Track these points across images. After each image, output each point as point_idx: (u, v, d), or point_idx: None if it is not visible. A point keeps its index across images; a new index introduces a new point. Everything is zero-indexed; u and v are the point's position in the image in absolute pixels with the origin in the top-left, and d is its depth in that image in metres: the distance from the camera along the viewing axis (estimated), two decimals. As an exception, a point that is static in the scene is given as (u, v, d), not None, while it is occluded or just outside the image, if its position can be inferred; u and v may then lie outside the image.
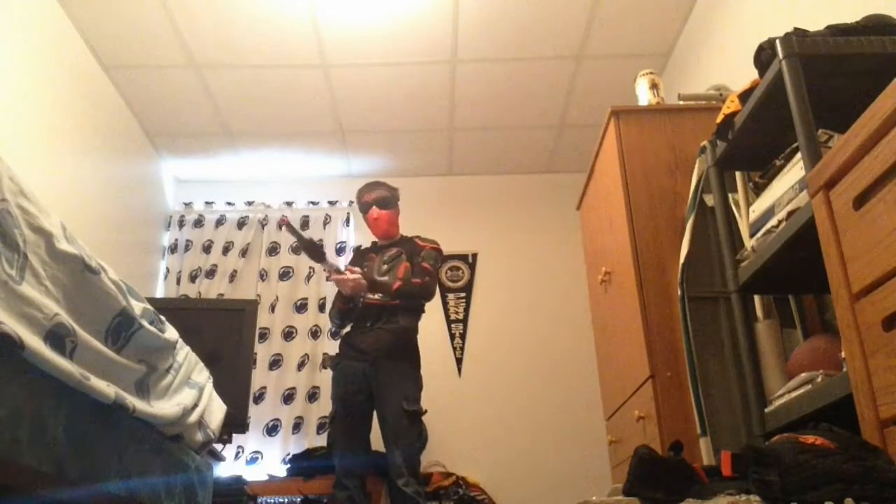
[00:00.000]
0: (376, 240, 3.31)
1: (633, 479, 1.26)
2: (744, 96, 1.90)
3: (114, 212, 3.83)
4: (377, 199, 3.21)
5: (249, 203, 4.60)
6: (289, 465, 3.58)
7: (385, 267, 3.13)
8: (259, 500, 3.20)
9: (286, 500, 3.29)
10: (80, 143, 3.50)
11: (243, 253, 4.46)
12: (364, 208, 3.26)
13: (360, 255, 3.30)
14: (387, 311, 3.04)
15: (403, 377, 2.94)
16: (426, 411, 2.97)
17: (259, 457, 3.99)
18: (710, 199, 2.20)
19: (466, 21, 3.43)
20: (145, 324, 1.39)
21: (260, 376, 4.11)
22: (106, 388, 1.19)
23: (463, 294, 4.48)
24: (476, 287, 4.51)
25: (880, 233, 1.11)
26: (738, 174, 2.11)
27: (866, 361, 1.16)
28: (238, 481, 3.00)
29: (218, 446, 3.03)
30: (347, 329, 3.15)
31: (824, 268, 1.29)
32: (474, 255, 4.57)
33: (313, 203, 4.60)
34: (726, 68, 2.98)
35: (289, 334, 4.28)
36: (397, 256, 3.16)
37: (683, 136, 2.49)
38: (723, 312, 2.17)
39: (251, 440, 3.99)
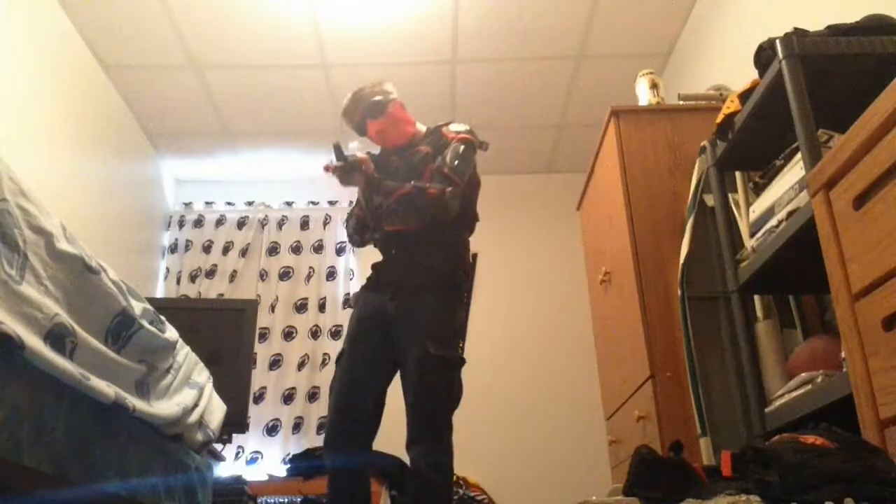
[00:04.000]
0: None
1: (633, 479, 1.26)
2: (744, 96, 1.90)
3: (114, 212, 3.83)
4: (367, 111, 2.43)
5: (249, 203, 4.60)
6: (289, 465, 3.58)
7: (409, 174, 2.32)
8: (259, 500, 3.20)
9: (286, 500, 3.28)
10: (81, 144, 3.50)
11: (243, 253, 4.46)
12: (360, 129, 2.49)
13: (384, 157, 2.47)
14: (410, 243, 2.31)
15: (431, 313, 2.22)
16: (465, 361, 2.35)
17: (259, 457, 3.99)
18: (710, 199, 2.20)
19: (466, 21, 3.43)
20: (145, 324, 1.39)
21: (260, 376, 4.10)
22: (106, 388, 1.19)
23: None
24: (476, 287, 4.50)
25: (880, 233, 1.11)
26: (738, 174, 2.11)
27: (866, 361, 1.16)
28: (238, 481, 3.00)
29: (218, 446, 3.03)
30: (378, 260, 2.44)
31: (824, 268, 1.29)
32: (474, 256, 4.53)
33: (313, 203, 4.60)
34: (726, 68, 2.98)
35: (289, 334, 4.27)
36: (424, 159, 2.34)
37: (683, 136, 2.50)
38: (723, 312, 2.17)
39: (251, 440, 3.98)
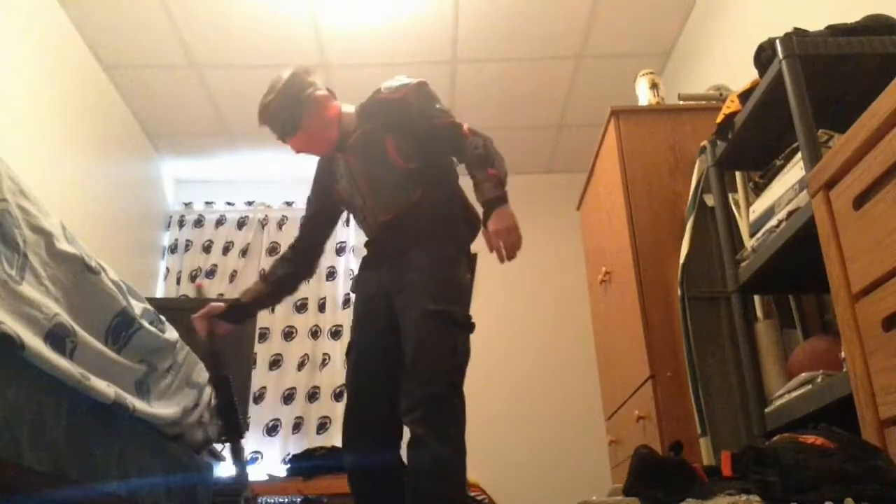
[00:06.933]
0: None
1: (633, 479, 1.25)
2: (744, 96, 1.90)
3: (114, 212, 3.83)
4: (281, 132, 2.08)
5: (249, 203, 4.60)
6: (289, 465, 3.58)
7: (364, 165, 2.02)
8: (259, 500, 3.20)
9: (286, 500, 3.28)
10: (80, 143, 3.50)
11: (243, 253, 4.46)
12: (284, 140, 2.15)
13: (326, 166, 2.19)
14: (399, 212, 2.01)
15: (425, 268, 1.91)
16: (473, 323, 2.03)
17: (259, 457, 3.99)
18: (710, 199, 2.20)
19: (466, 21, 3.43)
20: (145, 324, 1.39)
21: (260, 376, 4.10)
22: (106, 388, 1.19)
23: (463, 294, 4.47)
24: (476, 287, 4.50)
25: (880, 233, 1.11)
26: (738, 174, 2.12)
27: (866, 361, 1.16)
28: (238, 481, 3.00)
29: (218, 446, 3.03)
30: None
31: (824, 268, 1.29)
32: (474, 255, 4.55)
33: (313, 203, 4.60)
34: (726, 68, 2.98)
35: (289, 334, 4.27)
36: (369, 138, 2.02)
37: (683, 136, 2.50)
38: (723, 312, 2.17)
39: (251, 440, 3.98)
